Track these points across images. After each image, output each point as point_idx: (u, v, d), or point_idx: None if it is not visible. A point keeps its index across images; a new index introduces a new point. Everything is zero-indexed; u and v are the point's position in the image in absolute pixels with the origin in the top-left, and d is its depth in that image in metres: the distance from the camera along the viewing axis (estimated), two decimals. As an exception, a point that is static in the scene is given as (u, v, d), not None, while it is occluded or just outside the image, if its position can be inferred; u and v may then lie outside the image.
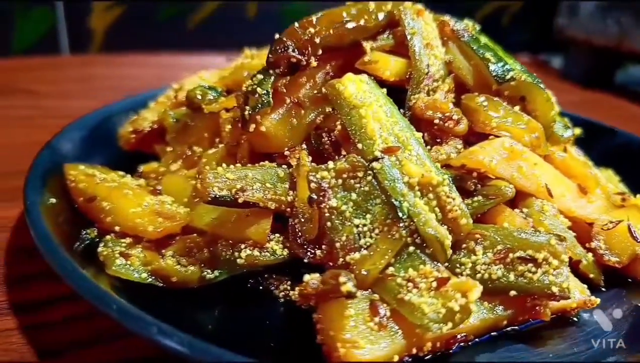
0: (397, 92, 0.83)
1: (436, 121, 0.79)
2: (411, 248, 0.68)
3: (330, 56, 0.83)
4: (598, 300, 0.72)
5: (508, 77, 0.82)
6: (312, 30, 0.78)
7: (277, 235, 0.75)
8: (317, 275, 0.63)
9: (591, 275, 0.78)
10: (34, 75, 1.47)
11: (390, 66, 0.82)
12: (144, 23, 2.12)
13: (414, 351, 0.63)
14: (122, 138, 1.01)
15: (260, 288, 0.75)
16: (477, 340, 0.68)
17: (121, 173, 0.89)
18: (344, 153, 0.77)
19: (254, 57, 1.03)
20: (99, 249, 0.73)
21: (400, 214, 0.68)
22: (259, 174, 0.75)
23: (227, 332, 0.68)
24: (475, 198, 0.75)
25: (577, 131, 0.97)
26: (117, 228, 0.76)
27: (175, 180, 0.85)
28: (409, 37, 0.84)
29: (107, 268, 0.71)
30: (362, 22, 0.83)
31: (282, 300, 0.73)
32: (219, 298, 0.74)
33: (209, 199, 0.70)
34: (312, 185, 0.70)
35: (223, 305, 0.73)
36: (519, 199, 0.79)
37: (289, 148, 0.79)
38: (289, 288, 0.73)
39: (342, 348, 0.59)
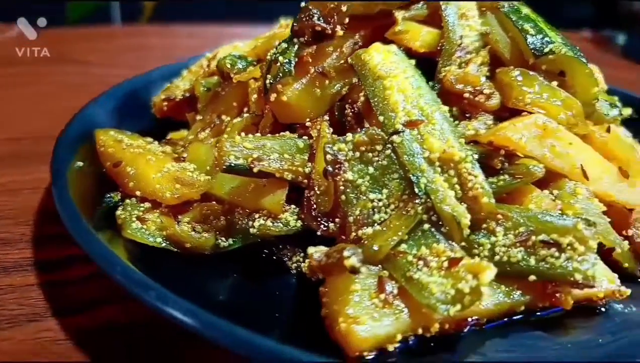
0: (430, 64, 0.79)
1: (466, 95, 0.76)
2: (426, 226, 0.65)
3: (360, 25, 0.80)
4: (629, 291, 0.67)
5: (546, 50, 0.76)
6: (338, -3, 0.75)
7: (293, 206, 0.74)
8: (323, 247, 0.61)
9: (625, 265, 0.73)
10: (87, 45, 1.51)
11: (421, 36, 0.79)
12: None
13: (420, 331, 0.61)
14: (155, 105, 1.02)
15: (274, 258, 0.74)
16: (492, 324, 0.65)
17: (149, 139, 0.90)
18: (366, 125, 0.75)
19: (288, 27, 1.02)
20: (117, 212, 0.74)
21: (416, 190, 0.65)
22: (277, 144, 0.74)
23: (235, 302, 0.69)
24: (501, 177, 0.71)
25: (627, 110, 0.90)
26: (138, 193, 0.77)
27: (200, 148, 0.85)
28: (443, 6, 0.80)
29: (123, 231, 0.72)
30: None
31: (294, 271, 0.73)
32: (231, 267, 0.74)
33: (225, 167, 0.69)
34: (328, 157, 0.68)
35: (235, 274, 0.73)
36: (550, 180, 0.74)
37: (311, 119, 0.77)
38: (301, 260, 0.72)
39: (342, 323, 0.58)
